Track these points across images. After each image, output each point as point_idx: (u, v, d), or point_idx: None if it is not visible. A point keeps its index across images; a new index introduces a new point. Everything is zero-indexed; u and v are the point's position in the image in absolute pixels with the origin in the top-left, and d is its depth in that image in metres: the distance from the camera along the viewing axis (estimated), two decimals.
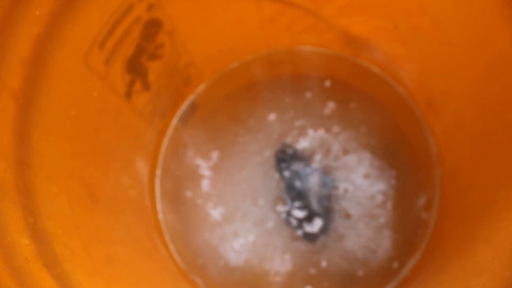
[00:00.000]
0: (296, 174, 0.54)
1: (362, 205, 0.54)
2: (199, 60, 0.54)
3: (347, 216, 0.53)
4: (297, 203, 0.54)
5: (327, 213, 0.53)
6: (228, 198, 0.55)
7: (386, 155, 0.55)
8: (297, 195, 0.54)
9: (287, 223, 0.54)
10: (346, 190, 0.54)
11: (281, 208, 0.54)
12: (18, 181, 0.34)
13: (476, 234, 0.40)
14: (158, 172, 0.56)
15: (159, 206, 0.55)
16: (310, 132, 0.56)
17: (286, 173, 0.55)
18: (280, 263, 0.53)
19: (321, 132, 0.56)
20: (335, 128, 0.56)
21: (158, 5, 0.44)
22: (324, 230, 0.53)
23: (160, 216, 0.55)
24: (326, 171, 0.55)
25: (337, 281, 0.52)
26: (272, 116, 0.57)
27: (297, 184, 0.54)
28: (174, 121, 0.57)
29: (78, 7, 0.37)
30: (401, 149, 0.55)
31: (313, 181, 0.54)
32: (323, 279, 0.52)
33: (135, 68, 0.46)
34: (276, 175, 0.55)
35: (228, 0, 0.49)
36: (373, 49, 0.54)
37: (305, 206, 0.53)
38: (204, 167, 0.56)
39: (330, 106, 0.56)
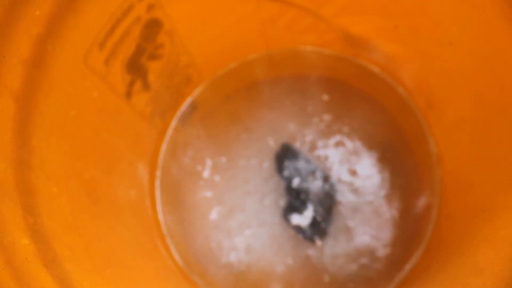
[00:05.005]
0: (296, 175, 0.54)
1: (361, 205, 0.54)
2: (199, 60, 0.54)
3: (347, 216, 0.53)
4: (297, 204, 0.54)
5: (327, 213, 0.53)
6: (228, 198, 0.55)
7: (386, 155, 0.55)
8: (297, 195, 0.54)
9: (287, 223, 0.54)
10: (346, 190, 0.54)
11: (281, 209, 0.54)
12: (18, 181, 0.34)
13: (476, 234, 0.40)
14: (158, 172, 0.56)
15: (159, 206, 0.55)
16: (310, 132, 0.56)
17: (286, 174, 0.55)
18: (280, 263, 0.53)
19: (321, 133, 0.56)
20: (335, 128, 0.56)
21: (158, 5, 0.44)
22: (324, 230, 0.53)
23: (160, 216, 0.55)
24: (326, 171, 0.55)
25: (336, 281, 0.52)
26: (272, 117, 0.57)
27: (297, 184, 0.54)
28: (174, 121, 0.57)
29: (78, 7, 0.37)
30: (401, 149, 0.55)
31: (313, 181, 0.54)
32: (322, 279, 0.52)
33: (135, 68, 0.46)
34: (276, 176, 0.55)
35: (228, 0, 0.49)
36: (373, 49, 0.54)
37: (305, 207, 0.53)
38: (204, 167, 0.56)
39: (330, 106, 0.56)
